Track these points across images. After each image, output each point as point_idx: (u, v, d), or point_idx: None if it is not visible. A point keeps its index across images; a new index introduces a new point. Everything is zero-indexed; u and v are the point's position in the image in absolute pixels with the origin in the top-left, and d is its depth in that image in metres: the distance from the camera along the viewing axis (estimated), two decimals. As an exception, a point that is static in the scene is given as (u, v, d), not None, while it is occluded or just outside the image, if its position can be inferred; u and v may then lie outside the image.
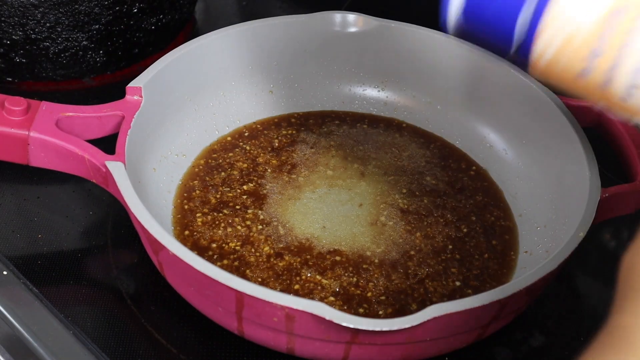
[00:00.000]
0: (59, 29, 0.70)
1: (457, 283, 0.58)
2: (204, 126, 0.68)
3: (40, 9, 0.69)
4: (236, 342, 0.55)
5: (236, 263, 0.58)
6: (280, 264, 0.58)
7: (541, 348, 0.58)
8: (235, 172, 0.65)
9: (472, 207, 0.64)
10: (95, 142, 0.58)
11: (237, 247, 0.59)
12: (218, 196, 0.63)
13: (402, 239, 0.61)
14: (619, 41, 0.37)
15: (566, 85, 0.40)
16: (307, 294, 0.56)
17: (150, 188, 0.60)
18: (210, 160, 0.66)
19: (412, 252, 0.60)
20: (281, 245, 0.59)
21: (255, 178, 0.65)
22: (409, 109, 0.72)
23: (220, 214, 0.61)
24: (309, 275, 0.57)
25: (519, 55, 0.41)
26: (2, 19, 0.69)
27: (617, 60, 0.37)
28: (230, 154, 0.67)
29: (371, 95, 0.73)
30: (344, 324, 0.46)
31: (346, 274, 0.57)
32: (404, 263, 0.59)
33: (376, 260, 0.59)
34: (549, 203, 0.62)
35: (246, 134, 0.69)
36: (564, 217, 0.59)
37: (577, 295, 0.62)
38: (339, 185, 0.65)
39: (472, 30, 0.42)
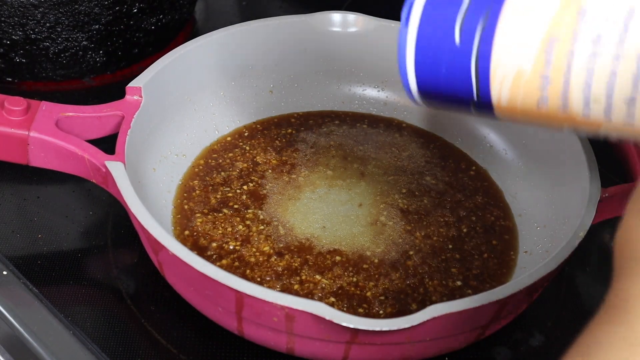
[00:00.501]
0: (59, 29, 0.70)
1: (457, 283, 0.58)
2: (204, 126, 0.68)
3: (40, 9, 0.69)
4: (236, 342, 0.55)
5: (236, 263, 0.58)
6: (280, 264, 0.58)
7: (541, 348, 0.58)
8: (235, 172, 0.65)
9: (472, 207, 0.64)
10: (95, 142, 0.58)
11: (237, 247, 0.59)
12: (218, 196, 0.63)
13: (401, 238, 0.61)
14: (562, 64, 0.39)
15: (533, 118, 0.43)
16: (307, 294, 0.56)
17: (150, 188, 0.60)
18: (210, 160, 0.66)
19: (412, 252, 0.60)
20: (281, 245, 0.59)
21: (255, 178, 0.65)
22: (409, 109, 0.72)
23: (220, 214, 0.61)
24: (308, 275, 0.57)
25: (484, 106, 0.43)
26: (2, 19, 0.69)
27: (567, 83, 0.39)
28: (230, 154, 0.67)
29: (371, 95, 0.73)
30: (344, 324, 0.46)
31: (346, 274, 0.57)
32: (404, 263, 0.59)
33: (376, 260, 0.59)
34: (549, 203, 0.62)
35: (246, 134, 0.69)
36: (564, 217, 0.59)
37: (577, 295, 0.62)
38: (339, 185, 0.65)
39: (435, 97, 0.45)
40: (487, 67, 0.41)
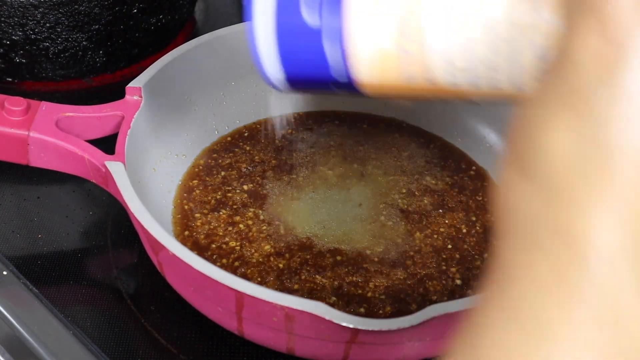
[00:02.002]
0: (59, 29, 0.70)
1: (457, 282, 0.58)
2: (204, 126, 0.68)
3: (40, 9, 0.69)
4: (236, 342, 0.55)
5: (236, 263, 0.58)
6: (280, 264, 0.58)
7: (541, 348, 0.58)
8: (235, 172, 0.65)
9: (472, 207, 0.64)
10: (95, 142, 0.58)
11: (237, 247, 0.59)
12: (218, 196, 0.63)
13: (401, 238, 0.61)
14: (418, 41, 0.38)
15: (407, 93, 0.41)
16: (307, 293, 0.56)
17: (150, 188, 0.60)
18: (210, 160, 0.66)
19: (412, 252, 0.60)
20: (281, 245, 0.59)
21: (255, 178, 0.65)
22: (409, 109, 0.72)
23: (220, 214, 0.61)
24: (308, 275, 0.57)
25: (350, 87, 0.42)
26: (2, 19, 0.69)
27: (425, 58, 0.38)
28: (230, 154, 0.67)
29: (371, 95, 0.73)
30: (344, 324, 0.46)
31: (346, 274, 0.57)
32: (404, 263, 0.59)
33: (376, 260, 0.59)
34: (549, 203, 0.62)
35: (246, 134, 0.69)
36: (564, 217, 0.59)
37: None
38: (339, 185, 0.65)
39: (297, 78, 0.43)
40: (342, 47, 0.39)
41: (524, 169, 0.28)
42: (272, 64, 0.42)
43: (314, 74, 0.42)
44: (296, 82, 0.43)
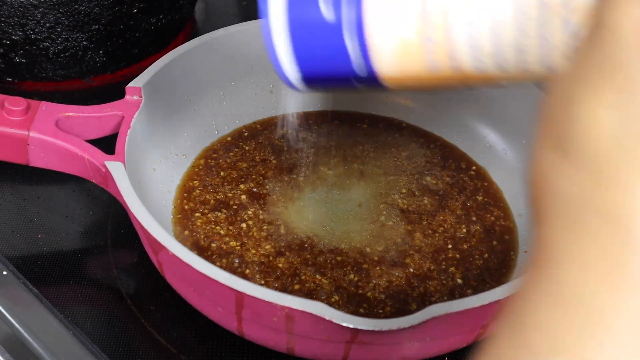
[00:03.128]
0: (59, 29, 0.70)
1: (458, 282, 0.58)
2: (204, 126, 0.68)
3: (40, 9, 0.69)
4: (236, 342, 0.55)
5: (236, 263, 0.58)
6: (280, 264, 0.58)
7: (541, 348, 0.58)
8: (235, 172, 0.65)
9: (472, 207, 0.64)
10: (95, 142, 0.58)
11: (237, 247, 0.59)
12: (218, 196, 0.63)
13: (401, 238, 0.61)
14: (442, 28, 0.37)
15: (427, 83, 0.40)
16: (307, 293, 0.56)
17: (150, 188, 0.60)
18: (210, 160, 0.66)
19: (412, 252, 0.60)
20: (281, 245, 0.59)
21: (255, 178, 0.65)
22: (409, 109, 0.72)
23: (220, 214, 0.61)
24: (309, 274, 0.57)
25: (372, 81, 0.41)
26: (2, 19, 0.69)
27: (450, 45, 0.37)
28: (231, 154, 0.67)
29: (371, 95, 0.73)
30: (344, 324, 0.46)
31: (346, 274, 0.57)
32: (404, 262, 0.59)
33: (376, 260, 0.59)
34: (549, 203, 0.62)
35: (246, 134, 0.69)
36: (564, 217, 0.59)
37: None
38: (339, 185, 0.65)
39: (318, 81, 0.42)
40: (363, 41, 0.39)
41: (563, 148, 0.27)
42: (289, 62, 0.41)
43: (333, 69, 0.40)
44: (314, 79, 0.42)
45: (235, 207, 0.62)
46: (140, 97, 0.60)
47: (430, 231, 0.62)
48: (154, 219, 0.51)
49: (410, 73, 0.39)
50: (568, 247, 0.26)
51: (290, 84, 0.42)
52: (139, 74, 0.62)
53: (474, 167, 0.68)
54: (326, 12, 0.39)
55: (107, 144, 0.58)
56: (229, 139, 0.68)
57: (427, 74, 0.39)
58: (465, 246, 0.61)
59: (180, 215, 0.61)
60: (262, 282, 0.57)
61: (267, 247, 0.59)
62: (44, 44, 0.71)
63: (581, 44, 0.26)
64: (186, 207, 0.62)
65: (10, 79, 0.73)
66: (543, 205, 0.27)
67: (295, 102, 0.71)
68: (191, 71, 0.66)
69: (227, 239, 0.59)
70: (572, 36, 0.34)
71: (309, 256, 0.59)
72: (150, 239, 0.51)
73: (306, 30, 0.39)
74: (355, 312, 0.55)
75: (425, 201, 0.64)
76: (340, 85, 0.42)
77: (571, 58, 0.27)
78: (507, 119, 0.68)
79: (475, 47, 0.37)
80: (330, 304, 0.54)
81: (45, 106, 0.59)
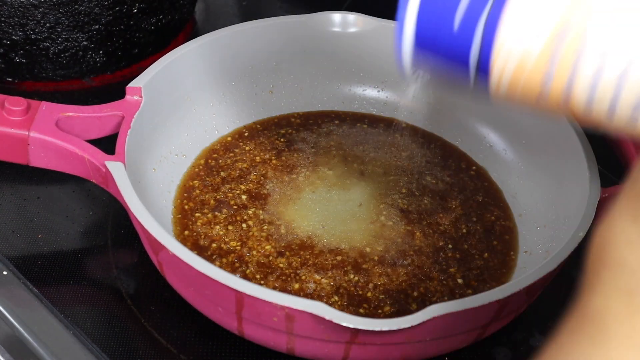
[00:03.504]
0: (59, 29, 0.70)
1: (458, 282, 0.58)
2: (204, 126, 0.68)
3: (40, 9, 0.69)
4: (236, 342, 0.55)
5: (236, 263, 0.58)
6: (280, 264, 0.58)
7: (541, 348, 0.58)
8: (235, 172, 0.65)
9: (472, 207, 0.64)
10: (95, 142, 0.58)
11: (237, 247, 0.59)
12: (218, 196, 0.63)
13: (401, 238, 0.61)
14: (568, 63, 0.37)
15: (531, 106, 0.41)
16: (307, 293, 0.56)
17: (150, 188, 0.60)
18: (210, 160, 0.66)
19: (412, 252, 0.60)
20: (281, 245, 0.59)
21: (255, 178, 0.65)
22: (409, 109, 0.72)
23: (220, 214, 0.61)
24: (309, 275, 0.57)
25: (479, 86, 0.42)
26: (2, 19, 0.69)
27: (570, 81, 0.38)
28: (231, 154, 0.67)
29: (371, 95, 0.73)
30: (344, 324, 0.46)
31: (346, 274, 0.57)
32: (404, 262, 0.59)
33: (376, 260, 0.59)
34: (549, 203, 0.62)
35: (246, 134, 0.69)
36: (564, 217, 0.59)
37: (577, 295, 0.62)
38: (339, 185, 0.65)
39: (429, 66, 0.43)
40: (488, 52, 0.39)
41: None
42: (410, 25, 0.41)
43: (448, 44, 0.40)
44: (426, 47, 0.41)
45: (235, 207, 0.62)
46: (141, 97, 0.60)
47: (430, 231, 0.62)
48: (154, 219, 0.51)
49: (520, 93, 0.40)
50: (620, 322, 0.26)
51: (400, 55, 0.42)
52: (139, 74, 0.62)
53: (474, 167, 0.68)
54: (461, 16, 0.39)
55: (107, 144, 0.58)
56: (229, 139, 0.68)
57: (536, 100, 0.39)
58: (465, 246, 0.61)
59: (180, 215, 0.61)
60: (262, 282, 0.57)
61: (267, 247, 0.59)
62: (44, 44, 0.71)
63: None
64: (186, 207, 0.62)
65: (10, 79, 0.73)
66: (601, 271, 0.27)
67: (294, 103, 0.71)
68: (191, 71, 0.66)
69: (227, 239, 0.59)
70: None
71: (309, 256, 0.59)
72: (150, 238, 0.51)
73: (438, 25, 0.40)
74: (355, 312, 0.55)
75: (425, 201, 0.64)
76: (450, 75, 0.42)
77: None
78: (507, 119, 0.68)
79: (593, 93, 0.37)
80: (330, 304, 0.54)
81: (45, 106, 0.59)
